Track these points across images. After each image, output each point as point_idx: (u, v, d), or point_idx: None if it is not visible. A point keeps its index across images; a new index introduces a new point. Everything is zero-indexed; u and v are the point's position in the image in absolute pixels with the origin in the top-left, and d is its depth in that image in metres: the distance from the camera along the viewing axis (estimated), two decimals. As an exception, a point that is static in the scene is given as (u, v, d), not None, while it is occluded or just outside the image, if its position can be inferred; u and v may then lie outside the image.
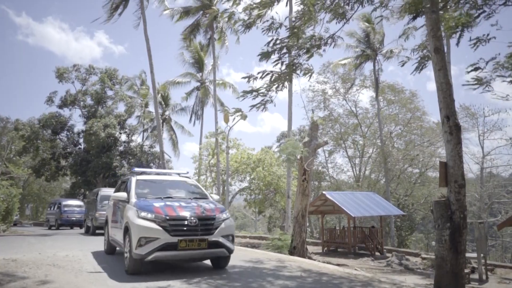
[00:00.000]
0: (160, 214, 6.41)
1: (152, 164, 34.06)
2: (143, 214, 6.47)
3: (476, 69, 5.84)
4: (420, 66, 8.13)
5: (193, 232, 6.40)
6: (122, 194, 7.55)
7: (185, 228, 6.37)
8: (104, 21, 23.31)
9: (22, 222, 33.14)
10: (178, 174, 9.39)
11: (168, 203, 6.90)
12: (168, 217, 6.36)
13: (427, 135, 29.63)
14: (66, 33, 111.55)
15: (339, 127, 32.67)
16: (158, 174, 9.17)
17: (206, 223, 6.58)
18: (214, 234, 6.57)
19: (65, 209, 23.68)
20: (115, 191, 9.18)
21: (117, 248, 8.74)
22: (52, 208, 26.16)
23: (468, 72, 5.91)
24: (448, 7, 6.61)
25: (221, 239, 6.62)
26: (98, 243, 12.10)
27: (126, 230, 6.76)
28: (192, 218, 6.45)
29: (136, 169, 9.11)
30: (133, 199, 7.16)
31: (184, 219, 6.43)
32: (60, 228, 23.81)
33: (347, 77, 31.38)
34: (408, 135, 31.00)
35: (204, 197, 8.06)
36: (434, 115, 38.44)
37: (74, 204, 24.69)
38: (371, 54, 28.08)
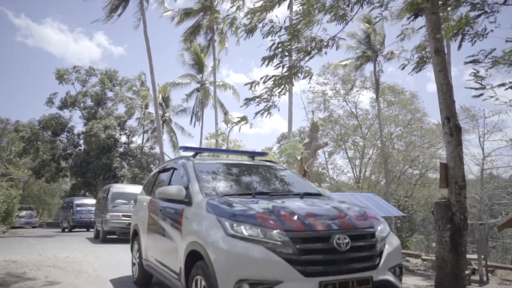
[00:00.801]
0: (275, 228, 3.15)
1: (152, 166, 34.07)
2: (238, 228, 3.20)
3: (474, 61, 5.82)
4: (418, 67, 8.15)
5: (344, 264, 3.18)
6: (175, 190, 4.22)
7: (330, 257, 3.16)
8: (103, 20, 23.32)
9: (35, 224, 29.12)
10: (252, 155, 6.19)
11: (277, 204, 3.61)
12: (293, 235, 3.14)
13: (427, 136, 29.63)
14: (65, 34, 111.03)
15: (339, 128, 32.66)
16: (220, 154, 5.69)
17: (364, 246, 3.38)
18: (380, 266, 3.35)
19: (78, 208, 21.31)
20: (147, 186, 6.19)
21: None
22: (65, 208, 24.16)
23: (466, 63, 5.90)
24: (449, 8, 6.62)
25: (390, 277, 3.41)
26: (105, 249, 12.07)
27: (194, 258, 3.58)
28: (339, 235, 3.22)
29: (187, 145, 5.92)
30: (201, 197, 3.95)
31: (326, 237, 3.21)
32: (73, 230, 21.86)
33: (347, 78, 31.38)
34: (409, 136, 30.99)
35: (315, 192, 4.79)
36: (434, 116, 38.43)
37: (89, 203, 22.21)
38: (371, 55, 28.07)
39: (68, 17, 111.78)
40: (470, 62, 5.81)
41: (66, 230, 22.30)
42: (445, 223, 6.03)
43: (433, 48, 6.33)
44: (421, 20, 7.75)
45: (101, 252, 9.94)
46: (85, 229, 22.08)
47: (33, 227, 28.37)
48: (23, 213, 27.35)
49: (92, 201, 22.74)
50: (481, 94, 5.70)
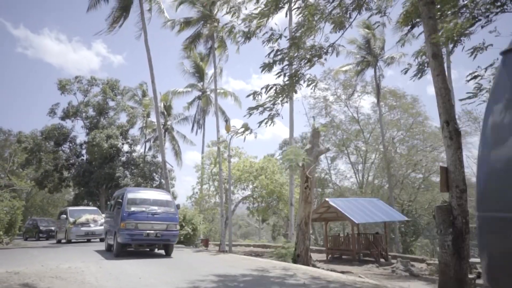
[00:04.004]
0: None
1: (154, 174, 34.10)
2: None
3: (475, 77, 5.87)
4: (419, 73, 8.15)
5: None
6: None
7: None
8: (105, 32, 23.55)
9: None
10: None
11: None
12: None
13: (429, 140, 29.58)
14: (65, 44, 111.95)
15: (341, 134, 32.66)
16: None
17: None
18: None
19: (133, 209, 11.33)
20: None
21: None
22: (111, 209, 13.35)
23: (468, 81, 5.94)
24: (446, 14, 6.64)
25: None
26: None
27: None
28: None
29: None
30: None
31: None
32: (125, 251, 12.05)
33: (348, 84, 31.45)
34: (411, 140, 30.95)
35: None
36: (435, 120, 38.33)
37: (152, 197, 12.32)
38: (372, 60, 28.16)
39: (65, 26, 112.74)
40: (472, 79, 5.86)
41: (112, 249, 12.14)
42: (446, 227, 6.00)
43: (431, 52, 6.35)
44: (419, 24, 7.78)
45: (104, 263, 9.92)
46: (146, 249, 12.94)
47: (101, 239, 18.22)
48: (83, 218, 18.93)
49: (159, 194, 12.88)
50: (473, 101, 5.73)
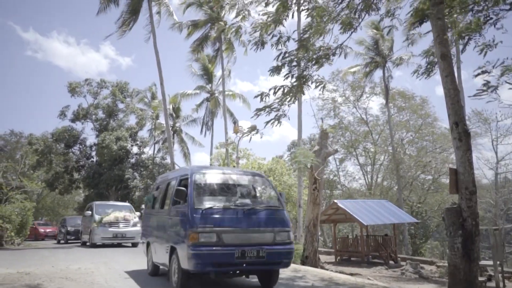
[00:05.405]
0: None
1: (163, 176, 34.23)
2: None
3: (483, 72, 5.80)
4: (427, 72, 8.11)
5: None
6: None
7: None
8: (116, 37, 23.85)
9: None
10: None
11: None
12: None
13: (439, 141, 29.31)
14: (73, 47, 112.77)
15: (349, 135, 32.51)
16: None
17: None
18: None
19: (208, 204, 6.01)
20: None
21: None
22: (156, 204, 8.08)
23: (476, 76, 5.88)
24: (455, 15, 6.60)
25: None
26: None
27: None
28: None
29: None
30: None
31: None
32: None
33: (357, 85, 31.31)
34: (420, 142, 30.70)
35: None
36: (445, 121, 38.00)
37: (235, 181, 6.83)
38: (380, 61, 28.02)
39: (74, 29, 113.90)
40: (479, 74, 5.79)
41: (163, 273, 7.73)
42: (456, 229, 5.96)
43: (439, 53, 6.31)
44: (428, 26, 7.74)
45: (113, 263, 10.00)
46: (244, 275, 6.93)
47: (133, 244, 15.44)
48: (111, 216, 15.54)
49: (254, 177, 7.34)
50: (484, 97, 5.66)
